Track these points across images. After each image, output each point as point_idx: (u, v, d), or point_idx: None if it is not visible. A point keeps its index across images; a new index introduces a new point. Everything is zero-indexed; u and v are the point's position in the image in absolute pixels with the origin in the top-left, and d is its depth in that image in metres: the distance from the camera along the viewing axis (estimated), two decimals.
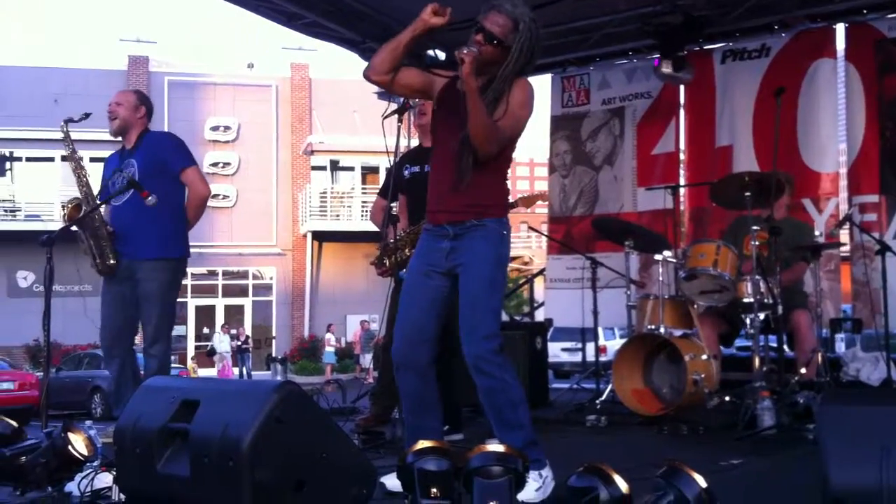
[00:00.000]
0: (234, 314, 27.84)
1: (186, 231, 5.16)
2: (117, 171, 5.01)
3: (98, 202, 4.90)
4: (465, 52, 3.20)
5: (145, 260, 4.88)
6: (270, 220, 28.17)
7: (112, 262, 4.87)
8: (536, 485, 3.18)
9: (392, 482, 3.15)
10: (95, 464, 3.42)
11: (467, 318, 3.40)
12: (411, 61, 3.67)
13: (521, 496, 2.90)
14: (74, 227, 4.78)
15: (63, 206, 4.84)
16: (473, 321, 3.39)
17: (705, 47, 7.62)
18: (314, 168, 29.09)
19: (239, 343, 25.33)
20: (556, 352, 16.87)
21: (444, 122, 3.52)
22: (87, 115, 4.87)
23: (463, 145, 3.35)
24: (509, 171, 3.74)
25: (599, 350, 7.33)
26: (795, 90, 6.90)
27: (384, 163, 5.88)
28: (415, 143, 6.07)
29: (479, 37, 3.32)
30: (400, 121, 5.08)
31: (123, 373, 4.95)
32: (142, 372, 4.95)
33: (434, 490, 2.43)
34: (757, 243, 5.12)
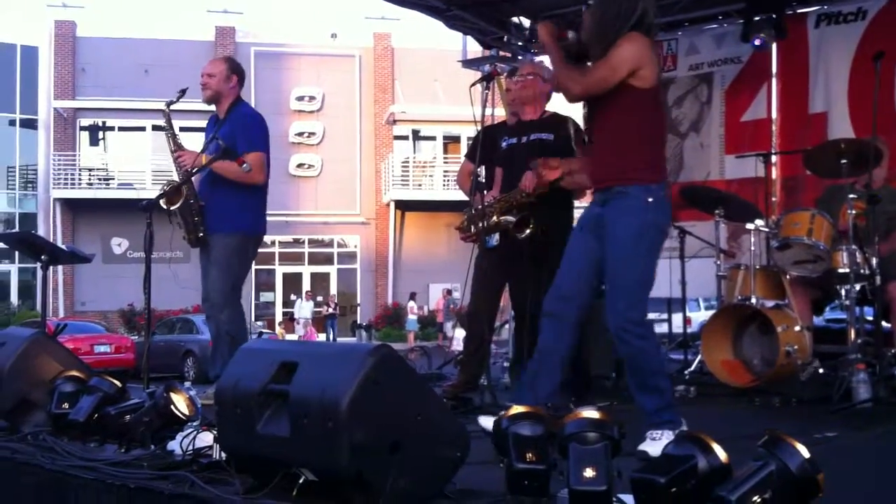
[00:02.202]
0: (319, 282, 28.29)
1: (259, 208, 5.28)
2: (214, 138, 5.14)
3: (189, 174, 5.06)
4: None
5: (217, 233, 5.14)
6: (354, 189, 28.44)
7: (202, 234, 5.11)
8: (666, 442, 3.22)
9: (486, 421, 3.23)
10: (196, 424, 3.53)
11: (609, 289, 3.58)
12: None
13: (650, 450, 3.29)
14: (172, 207, 4.98)
15: (162, 189, 4.98)
16: (614, 292, 3.55)
17: (798, 11, 7.40)
18: (396, 137, 29.23)
19: (329, 310, 25.74)
20: None
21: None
22: (183, 92, 4.99)
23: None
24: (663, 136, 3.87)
25: (686, 321, 7.23)
26: (894, 55, 6.64)
27: (466, 132, 5.91)
28: (499, 111, 6.05)
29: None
30: (487, 88, 5.07)
31: (219, 337, 5.15)
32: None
33: (529, 455, 2.44)
34: (854, 212, 4.98)
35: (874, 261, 5.00)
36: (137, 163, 27.34)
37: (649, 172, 3.54)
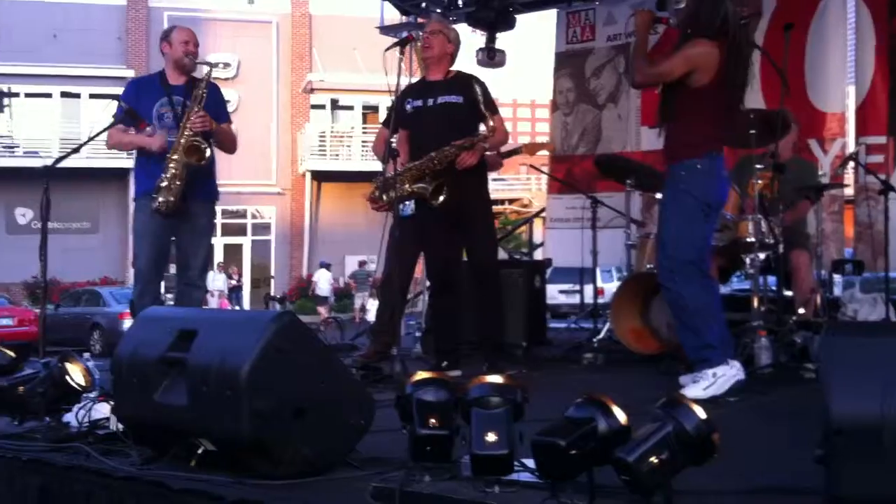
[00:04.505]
0: (232, 253, 27.85)
1: None
2: (166, 105, 4.97)
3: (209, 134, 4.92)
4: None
5: (203, 200, 5.04)
6: (269, 159, 28.04)
7: (182, 202, 4.84)
8: (706, 383, 3.89)
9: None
10: (93, 394, 3.43)
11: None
12: None
13: (689, 392, 3.66)
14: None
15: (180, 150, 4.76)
16: (661, 250, 4.20)
17: None
18: (314, 107, 28.86)
19: (233, 281, 25.42)
20: (554, 294, 16.83)
21: None
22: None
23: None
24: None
25: (597, 292, 7.31)
26: (805, 27, 6.76)
27: (385, 102, 5.84)
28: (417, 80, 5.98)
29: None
30: (402, 54, 4.99)
31: (157, 303, 4.99)
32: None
33: (432, 420, 2.42)
34: (760, 182, 5.07)
35: (777, 230, 5.10)
36: (44, 130, 26.44)
37: (690, 148, 4.12)
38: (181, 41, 5.07)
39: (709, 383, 3.91)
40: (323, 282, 25.16)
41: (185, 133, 4.78)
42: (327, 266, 25.29)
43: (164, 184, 4.77)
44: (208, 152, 4.82)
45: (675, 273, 4.05)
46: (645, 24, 4.27)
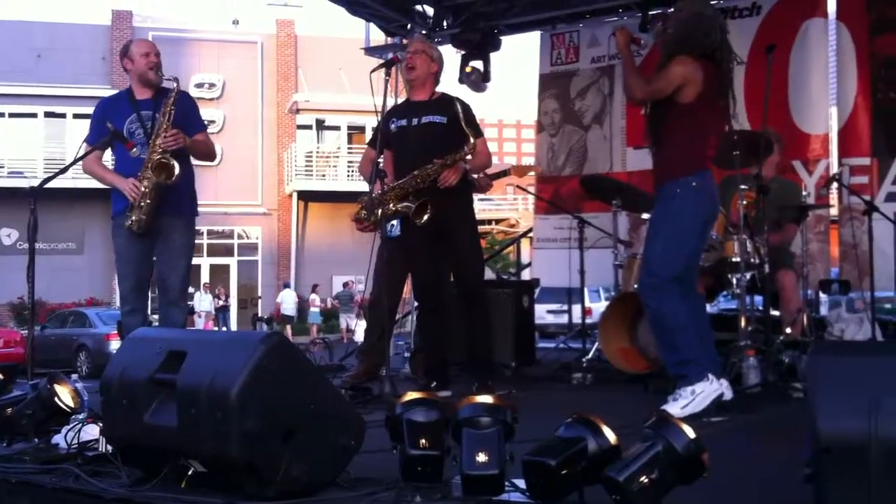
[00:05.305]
0: (219, 274, 27.76)
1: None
2: (135, 122, 4.92)
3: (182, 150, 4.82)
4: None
5: (178, 216, 4.94)
6: (255, 179, 28.01)
7: (153, 219, 4.81)
8: (684, 402, 3.93)
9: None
10: (82, 416, 3.41)
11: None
12: None
13: (669, 409, 3.71)
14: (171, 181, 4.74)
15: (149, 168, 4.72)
16: (645, 266, 4.27)
17: None
18: (300, 127, 28.88)
19: (221, 302, 25.34)
20: (542, 314, 16.81)
21: None
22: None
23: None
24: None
25: (585, 311, 7.33)
26: (787, 49, 6.85)
27: (371, 122, 5.85)
28: (402, 101, 6.00)
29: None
30: (388, 75, 5.02)
31: (145, 323, 5.00)
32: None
33: (423, 440, 2.42)
34: (745, 202, 5.11)
35: (762, 250, 5.14)
36: (28, 150, 26.35)
37: (681, 168, 4.17)
38: (141, 54, 4.98)
39: (687, 401, 3.93)
40: (288, 302, 25.21)
41: (154, 151, 4.73)
42: (315, 288, 25.31)
43: (140, 203, 4.76)
44: (177, 169, 4.73)
45: (656, 290, 4.11)
46: (625, 41, 4.35)
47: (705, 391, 3.96)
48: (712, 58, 4.22)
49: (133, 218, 4.77)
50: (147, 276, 5.02)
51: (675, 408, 3.85)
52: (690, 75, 4.14)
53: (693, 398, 3.94)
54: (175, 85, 4.90)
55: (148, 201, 4.74)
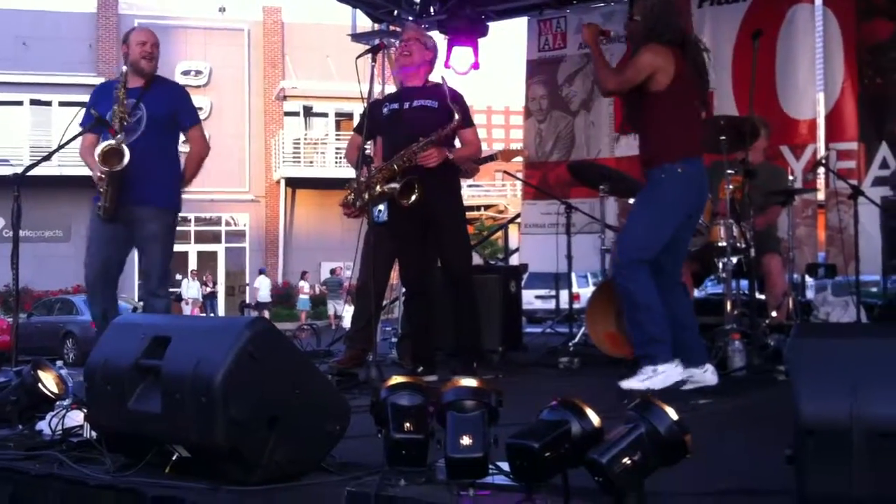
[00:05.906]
0: (206, 261, 27.70)
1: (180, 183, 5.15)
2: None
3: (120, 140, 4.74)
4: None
5: (152, 206, 4.90)
6: (243, 166, 27.94)
7: (121, 206, 4.80)
8: (644, 376, 3.98)
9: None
10: (66, 402, 3.40)
11: None
12: None
13: (626, 384, 3.88)
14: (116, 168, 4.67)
15: (99, 155, 4.67)
16: (619, 244, 4.43)
17: None
18: (287, 114, 28.81)
19: (208, 288, 25.30)
20: (530, 299, 16.92)
21: None
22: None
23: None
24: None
25: (573, 297, 7.35)
26: (774, 35, 6.85)
27: (359, 109, 5.81)
28: (389, 88, 6.00)
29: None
30: (374, 61, 5.00)
31: (108, 313, 4.91)
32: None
33: (407, 424, 2.42)
34: (731, 187, 5.12)
35: (748, 234, 5.16)
36: (14, 138, 26.18)
37: (665, 154, 4.21)
38: (138, 42, 4.97)
39: (647, 376, 3.98)
40: (263, 289, 25.20)
41: (114, 139, 4.69)
42: (304, 274, 25.28)
43: (102, 189, 4.76)
44: (126, 156, 4.65)
45: (625, 269, 4.18)
46: (593, 36, 4.45)
47: (668, 372, 4.00)
48: (682, 44, 4.24)
49: (100, 204, 4.80)
50: (113, 264, 4.99)
51: (633, 381, 3.93)
52: (660, 63, 4.17)
53: (654, 375, 3.98)
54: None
55: (107, 187, 4.73)
